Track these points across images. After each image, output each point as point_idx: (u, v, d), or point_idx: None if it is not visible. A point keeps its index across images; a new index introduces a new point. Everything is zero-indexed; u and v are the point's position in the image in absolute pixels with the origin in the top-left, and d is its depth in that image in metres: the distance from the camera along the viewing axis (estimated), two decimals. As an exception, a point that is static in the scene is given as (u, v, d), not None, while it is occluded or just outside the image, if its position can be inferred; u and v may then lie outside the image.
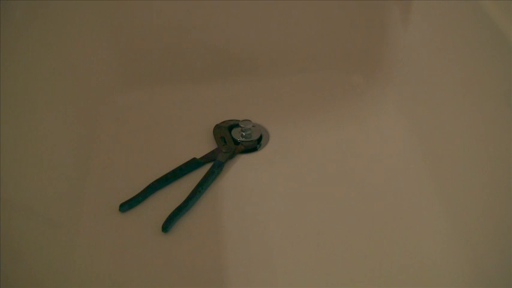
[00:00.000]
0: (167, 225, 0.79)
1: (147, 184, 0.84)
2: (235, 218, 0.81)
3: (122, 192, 0.83)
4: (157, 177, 0.85)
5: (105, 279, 0.74)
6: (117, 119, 0.96)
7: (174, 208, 0.81)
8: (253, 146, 0.92)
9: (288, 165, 0.89)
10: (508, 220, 0.67)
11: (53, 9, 0.88)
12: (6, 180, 0.67)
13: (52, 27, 0.88)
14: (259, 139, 0.93)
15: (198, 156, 0.89)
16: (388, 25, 0.99)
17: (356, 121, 0.96)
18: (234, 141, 0.92)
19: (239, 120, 0.94)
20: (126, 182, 0.85)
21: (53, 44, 0.87)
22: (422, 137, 0.89)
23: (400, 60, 0.97)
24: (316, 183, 0.86)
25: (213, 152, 0.90)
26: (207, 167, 0.88)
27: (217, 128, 0.94)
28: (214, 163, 0.88)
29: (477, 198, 0.75)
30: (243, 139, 0.92)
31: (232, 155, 0.90)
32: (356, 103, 0.99)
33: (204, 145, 0.91)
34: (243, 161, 0.90)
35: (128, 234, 0.79)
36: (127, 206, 0.82)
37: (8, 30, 0.76)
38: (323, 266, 0.76)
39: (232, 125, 0.94)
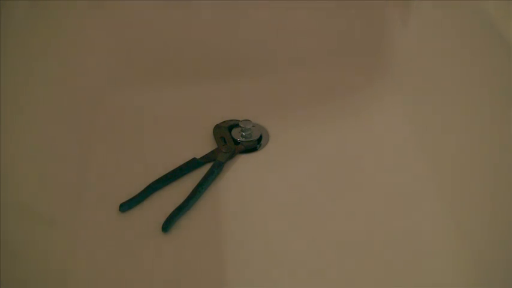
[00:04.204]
0: (167, 225, 0.79)
1: (147, 184, 0.84)
2: (235, 218, 0.81)
3: (122, 192, 0.83)
4: (157, 177, 0.85)
5: (105, 279, 0.74)
6: (116, 119, 0.96)
7: (174, 208, 0.81)
8: (253, 146, 0.92)
9: (288, 165, 0.89)
10: (509, 218, 0.67)
11: (53, 9, 0.88)
12: (6, 180, 0.67)
13: (52, 27, 0.88)
14: (259, 139, 0.93)
15: (198, 156, 0.89)
16: (388, 25, 0.99)
17: (356, 121, 0.95)
18: (234, 141, 0.92)
19: (239, 120, 0.94)
20: (126, 182, 0.85)
21: (52, 44, 0.87)
22: (423, 136, 0.89)
23: (400, 60, 0.97)
24: (316, 182, 0.86)
25: (213, 152, 0.90)
26: (207, 167, 0.88)
27: (217, 128, 0.94)
28: (214, 163, 0.88)
29: (477, 197, 0.75)
30: (243, 139, 0.92)
31: (232, 155, 0.90)
32: (356, 103, 0.99)
33: (204, 145, 0.91)
34: (243, 161, 0.90)
35: (128, 234, 0.79)
36: (127, 206, 0.82)
37: (8, 30, 0.76)
38: (324, 266, 0.76)
39: (232, 125, 0.94)
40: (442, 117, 0.85)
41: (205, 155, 0.89)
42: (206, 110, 0.97)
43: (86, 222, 0.80)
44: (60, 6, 0.90)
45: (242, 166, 0.89)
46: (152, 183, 0.84)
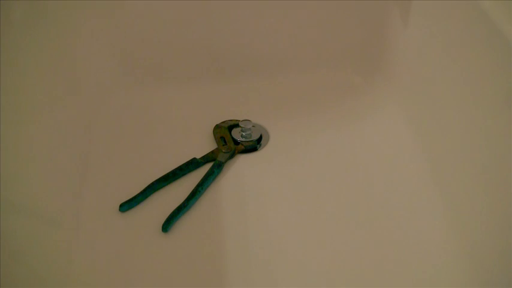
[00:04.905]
0: (167, 225, 0.79)
1: (147, 184, 0.84)
2: (235, 218, 0.81)
3: (122, 192, 0.83)
4: (157, 177, 0.85)
5: (105, 279, 0.74)
6: (116, 119, 0.96)
7: (174, 208, 0.81)
8: (253, 146, 0.92)
9: (288, 165, 0.89)
10: (508, 219, 0.67)
11: (53, 9, 0.88)
12: (6, 180, 0.67)
13: (52, 27, 0.88)
14: (259, 139, 0.93)
15: (198, 156, 0.89)
16: (388, 25, 0.99)
17: (356, 121, 0.96)
18: (234, 141, 0.92)
19: (239, 120, 0.94)
20: (126, 182, 0.85)
21: (52, 44, 0.87)
22: (422, 137, 0.89)
23: (400, 60, 0.97)
24: (316, 183, 0.86)
25: (213, 152, 0.90)
26: (207, 167, 0.88)
27: (217, 128, 0.94)
28: (214, 163, 0.88)
29: (477, 198, 0.75)
30: (243, 139, 0.92)
31: (232, 155, 0.90)
32: (356, 103, 0.99)
33: (204, 145, 0.91)
34: (243, 161, 0.90)
35: (128, 234, 0.79)
36: (127, 206, 0.82)
37: (8, 30, 0.76)
38: (323, 266, 0.76)
39: (232, 125, 0.94)
40: (442, 117, 0.85)
41: (205, 155, 0.89)
42: (206, 110, 0.97)
43: (86, 222, 0.80)
44: (61, 7, 0.90)
45: (242, 166, 0.89)
46: (152, 183, 0.84)
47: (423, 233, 0.79)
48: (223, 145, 0.91)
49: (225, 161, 0.89)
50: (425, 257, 0.76)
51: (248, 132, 0.92)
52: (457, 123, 0.81)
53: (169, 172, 0.86)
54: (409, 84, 0.95)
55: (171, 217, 0.80)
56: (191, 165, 0.88)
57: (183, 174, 0.87)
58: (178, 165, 0.87)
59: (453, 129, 0.82)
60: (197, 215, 0.82)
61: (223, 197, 0.84)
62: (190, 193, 0.83)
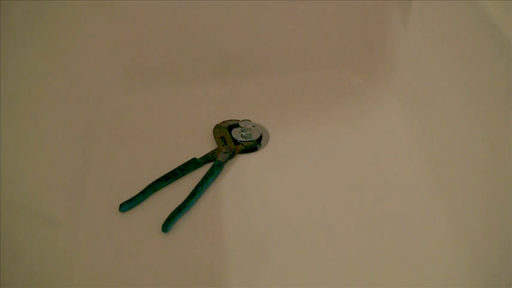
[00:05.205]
0: (167, 225, 0.79)
1: (147, 184, 0.84)
2: (235, 218, 0.81)
3: (122, 192, 0.83)
4: (157, 177, 0.85)
5: (105, 279, 0.74)
6: (117, 119, 0.96)
7: (174, 208, 0.81)
8: (253, 146, 0.92)
9: (288, 165, 0.89)
10: (509, 219, 0.67)
11: (53, 9, 0.88)
12: (6, 180, 0.67)
13: (52, 27, 0.88)
14: (259, 139, 0.93)
15: (198, 156, 0.89)
16: (388, 25, 0.99)
17: (356, 120, 0.96)
18: (234, 141, 0.92)
19: (239, 120, 0.94)
20: (126, 182, 0.85)
21: (52, 44, 0.87)
22: (422, 137, 0.89)
23: (400, 60, 0.97)
24: (316, 183, 0.86)
25: (213, 152, 0.90)
26: (207, 167, 0.88)
27: (217, 128, 0.94)
28: (214, 163, 0.88)
29: (477, 198, 0.75)
30: (243, 139, 0.92)
31: (232, 155, 0.90)
32: (356, 103, 0.99)
33: (204, 145, 0.91)
34: (243, 161, 0.90)
35: (128, 234, 0.79)
36: (127, 206, 0.82)
37: (8, 30, 0.76)
38: (324, 265, 0.76)
39: (232, 125, 0.94)
40: (442, 117, 0.85)
41: (205, 155, 0.89)
42: (206, 110, 0.97)
43: (86, 222, 0.80)
44: (61, 7, 0.90)
45: (242, 166, 0.89)
46: (152, 183, 0.84)
47: (423, 232, 0.79)
48: (223, 145, 0.91)
49: (225, 161, 0.89)
50: (424, 256, 0.76)
51: (248, 132, 0.92)
52: (456, 122, 0.81)
53: (169, 172, 0.86)
54: (409, 84, 0.95)
55: (171, 217, 0.80)
56: (191, 165, 0.88)
57: (183, 174, 0.87)
58: (178, 165, 0.87)
59: (453, 128, 0.82)
60: (197, 215, 0.82)
61: (223, 197, 0.84)
62: (190, 193, 0.83)
